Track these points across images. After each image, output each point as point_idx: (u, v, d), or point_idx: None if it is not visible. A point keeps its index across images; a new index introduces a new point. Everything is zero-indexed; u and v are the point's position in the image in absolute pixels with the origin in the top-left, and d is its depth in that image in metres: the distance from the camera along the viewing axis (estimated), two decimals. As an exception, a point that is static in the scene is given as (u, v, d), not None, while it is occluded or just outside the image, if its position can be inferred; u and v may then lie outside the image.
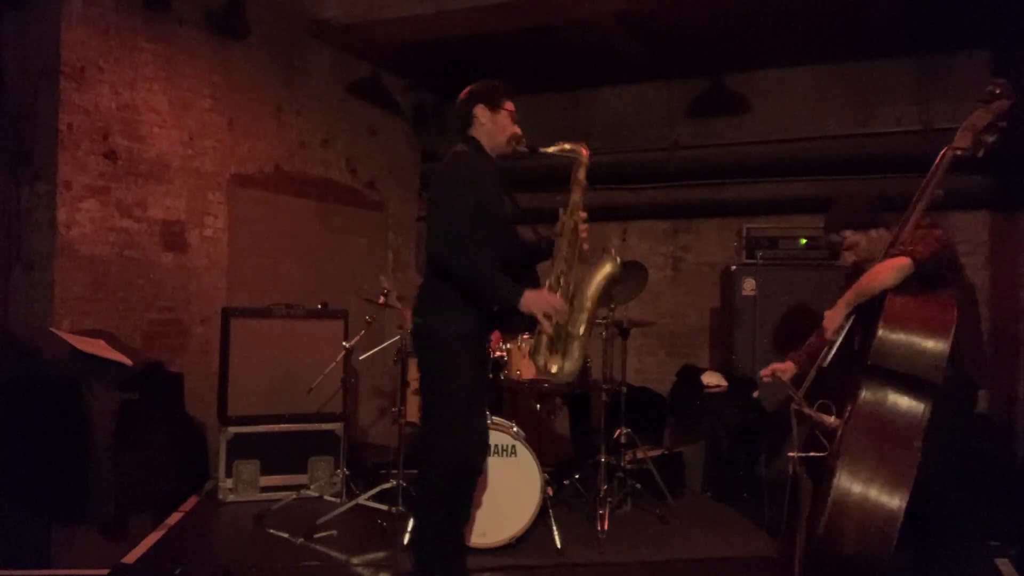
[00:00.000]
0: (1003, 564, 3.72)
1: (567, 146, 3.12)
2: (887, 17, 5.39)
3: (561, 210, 3.13)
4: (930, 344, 2.67)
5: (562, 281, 3.04)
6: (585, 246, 3.11)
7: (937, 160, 2.92)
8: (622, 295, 4.54)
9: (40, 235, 4.49)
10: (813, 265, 5.47)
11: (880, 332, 2.71)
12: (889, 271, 2.84)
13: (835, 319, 2.99)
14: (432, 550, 3.08)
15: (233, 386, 4.71)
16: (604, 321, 4.52)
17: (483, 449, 3.31)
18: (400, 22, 5.57)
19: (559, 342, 3.02)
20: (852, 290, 2.96)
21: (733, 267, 5.72)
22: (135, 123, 4.89)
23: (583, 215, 3.09)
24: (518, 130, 3.15)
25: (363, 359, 4.72)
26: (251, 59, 5.68)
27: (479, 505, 3.74)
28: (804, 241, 5.55)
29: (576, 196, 3.11)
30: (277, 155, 5.96)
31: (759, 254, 5.59)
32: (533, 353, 3.03)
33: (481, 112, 3.11)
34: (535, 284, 3.11)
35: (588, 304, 3.04)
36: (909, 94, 6.06)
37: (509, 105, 3.14)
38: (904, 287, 2.81)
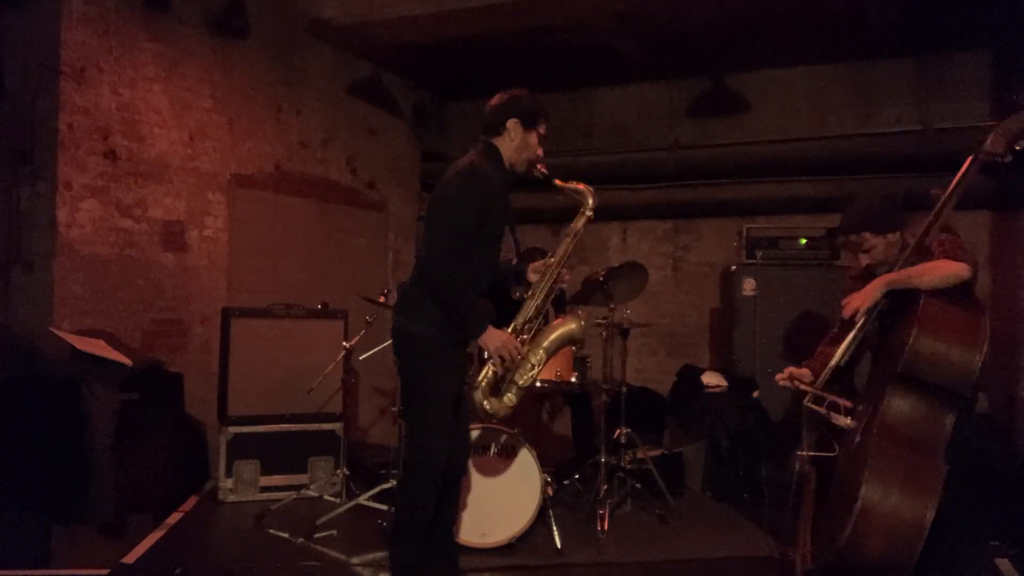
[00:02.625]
0: (1003, 564, 3.72)
1: (580, 187, 3.12)
2: (887, 17, 5.39)
3: (548, 255, 3.15)
4: (965, 354, 2.59)
5: (526, 328, 3.05)
6: (564, 286, 3.14)
7: (966, 164, 2.85)
8: (622, 295, 4.54)
9: (40, 235, 4.50)
10: (813, 265, 5.47)
11: (914, 339, 2.63)
12: (949, 272, 2.72)
13: (870, 297, 2.84)
14: (412, 553, 3.06)
15: (233, 386, 4.70)
16: (604, 321, 4.52)
17: (465, 452, 3.32)
18: (400, 22, 5.57)
19: (501, 384, 3.04)
20: (899, 273, 2.82)
21: (733, 267, 5.72)
22: (135, 123, 4.89)
23: (567, 269, 3.13)
24: (541, 152, 3.13)
25: (363, 359, 4.73)
26: (251, 59, 5.68)
27: (479, 505, 3.75)
28: (804, 241, 5.55)
29: (567, 246, 3.12)
30: (277, 155, 5.96)
31: (759, 254, 5.59)
32: (474, 387, 3.04)
33: (514, 126, 3.05)
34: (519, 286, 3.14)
35: (540, 358, 3.05)
36: (909, 94, 6.06)
37: (543, 128, 3.11)
38: (937, 295, 2.72)
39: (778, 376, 3.26)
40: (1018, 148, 2.81)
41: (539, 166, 3.11)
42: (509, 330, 3.03)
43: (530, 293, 3.12)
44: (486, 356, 3.04)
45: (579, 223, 3.13)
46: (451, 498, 3.27)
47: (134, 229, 4.90)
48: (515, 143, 3.06)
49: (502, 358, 2.94)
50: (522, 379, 3.03)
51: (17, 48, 4.58)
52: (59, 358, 4.24)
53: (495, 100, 3.11)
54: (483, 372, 3.04)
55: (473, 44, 6.08)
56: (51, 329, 4.33)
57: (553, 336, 3.08)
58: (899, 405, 2.69)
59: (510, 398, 3.04)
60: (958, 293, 2.74)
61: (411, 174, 7.57)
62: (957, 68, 5.89)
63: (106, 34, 4.71)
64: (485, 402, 3.03)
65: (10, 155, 4.56)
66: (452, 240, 2.89)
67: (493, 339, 2.93)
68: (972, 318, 2.66)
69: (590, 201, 3.12)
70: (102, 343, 4.36)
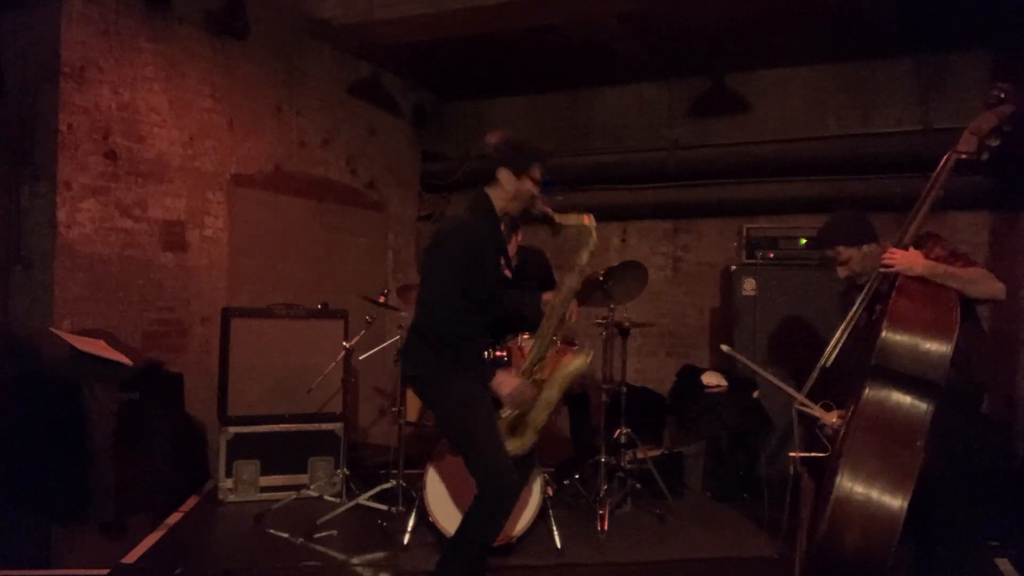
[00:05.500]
0: (1003, 564, 3.72)
1: (584, 220, 3.10)
2: (887, 17, 5.39)
3: (555, 292, 3.22)
4: (934, 346, 2.67)
5: (535, 369, 3.09)
6: (573, 318, 3.19)
7: (941, 164, 2.94)
8: (622, 295, 4.54)
9: (40, 235, 4.49)
10: (813, 265, 5.46)
11: (884, 333, 2.71)
12: (994, 292, 2.86)
13: (910, 264, 2.86)
14: (468, 567, 3.02)
15: (233, 386, 4.70)
16: (604, 321, 4.52)
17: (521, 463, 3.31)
18: (400, 22, 5.57)
19: (518, 426, 3.09)
20: (948, 269, 2.87)
21: (733, 267, 5.72)
22: (135, 123, 4.89)
23: (575, 305, 3.18)
24: (536, 192, 3.10)
25: (363, 359, 4.73)
26: (251, 59, 5.68)
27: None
28: (804, 241, 5.55)
29: (574, 282, 3.14)
30: (277, 155, 5.96)
31: (759, 254, 5.58)
32: None
33: (505, 177, 3.05)
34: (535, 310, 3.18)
35: (554, 399, 3.11)
36: (909, 94, 6.07)
37: (536, 172, 3.07)
38: (909, 289, 2.81)
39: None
40: (992, 145, 2.88)
41: (538, 205, 3.10)
42: (519, 372, 3.07)
43: (537, 334, 3.16)
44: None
45: (583, 258, 3.14)
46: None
47: (134, 229, 4.90)
48: (507, 191, 3.06)
49: (514, 401, 3.00)
50: (539, 420, 3.10)
51: (17, 48, 4.58)
52: (59, 358, 4.23)
53: (486, 142, 3.10)
54: (500, 417, 3.09)
55: (473, 44, 6.08)
56: (51, 329, 4.33)
57: (562, 375, 3.14)
58: (874, 397, 2.74)
59: (529, 436, 3.13)
60: (934, 288, 2.82)
61: (411, 174, 7.57)
62: (957, 68, 5.90)
63: (106, 34, 4.71)
64: (507, 444, 3.08)
65: (10, 155, 4.56)
66: (443, 296, 2.95)
67: (505, 386, 2.99)
68: (943, 311, 2.73)
69: (593, 236, 3.11)
70: (102, 343, 4.36)
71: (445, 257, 2.99)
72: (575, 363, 3.13)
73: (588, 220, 3.10)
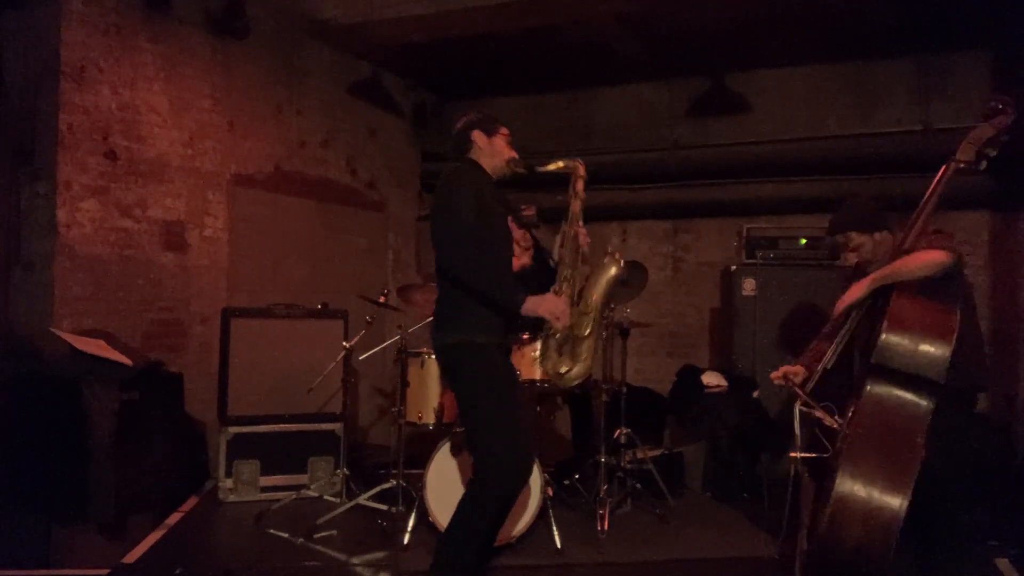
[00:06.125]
0: (1003, 564, 3.72)
1: (563, 163, 3.24)
2: (887, 17, 5.40)
3: (563, 221, 3.22)
4: (933, 346, 2.68)
5: (565, 286, 3.10)
6: (585, 249, 3.19)
7: (940, 173, 2.98)
8: (622, 295, 4.54)
9: (40, 235, 4.50)
10: (813, 265, 5.47)
11: (884, 335, 2.72)
12: (928, 261, 2.84)
13: (857, 293, 2.98)
14: (465, 558, 2.98)
15: (233, 386, 4.70)
16: (604, 321, 4.52)
17: (533, 453, 3.26)
18: (400, 22, 5.57)
19: (567, 345, 3.08)
20: (883, 270, 2.94)
21: (733, 267, 5.72)
22: (135, 123, 4.89)
23: (582, 228, 3.20)
24: (514, 153, 3.25)
25: (363, 359, 4.73)
26: (251, 59, 5.68)
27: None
28: (804, 241, 5.55)
29: (575, 207, 3.21)
30: (277, 155, 5.96)
31: (759, 254, 5.59)
32: (543, 358, 3.11)
33: (479, 137, 3.20)
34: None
35: (592, 306, 3.11)
36: (909, 94, 6.06)
37: (504, 131, 3.25)
38: (908, 290, 2.82)
39: (773, 374, 3.33)
40: (989, 155, 2.94)
41: (518, 164, 3.22)
42: (550, 292, 3.09)
43: (558, 259, 3.19)
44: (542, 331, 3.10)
45: (578, 184, 3.21)
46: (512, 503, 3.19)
47: (134, 229, 4.90)
48: (485, 151, 3.20)
49: (555, 317, 2.96)
50: (585, 330, 3.07)
51: (17, 48, 4.59)
52: (59, 358, 4.24)
53: (455, 128, 3.25)
54: (544, 345, 3.10)
55: (473, 44, 6.07)
56: (51, 329, 4.33)
57: (598, 285, 3.15)
58: (874, 396, 2.76)
59: (580, 353, 3.09)
60: (933, 289, 2.83)
61: (411, 174, 7.57)
62: (957, 68, 5.90)
63: (106, 34, 4.71)
64: (559, 366, 3.07)
65: (10, 155, 4.56)
66: (463, 230, 2.93)
67: (542, 304, 2.94)
68: (943, 312, 2.75)
69: (580, 168, 3.22)
70: (102, 343, 4.36)
71: (452, 193, 3.00)
72: (610, 269, 3.16)
73: (570, 159, 3.24)
